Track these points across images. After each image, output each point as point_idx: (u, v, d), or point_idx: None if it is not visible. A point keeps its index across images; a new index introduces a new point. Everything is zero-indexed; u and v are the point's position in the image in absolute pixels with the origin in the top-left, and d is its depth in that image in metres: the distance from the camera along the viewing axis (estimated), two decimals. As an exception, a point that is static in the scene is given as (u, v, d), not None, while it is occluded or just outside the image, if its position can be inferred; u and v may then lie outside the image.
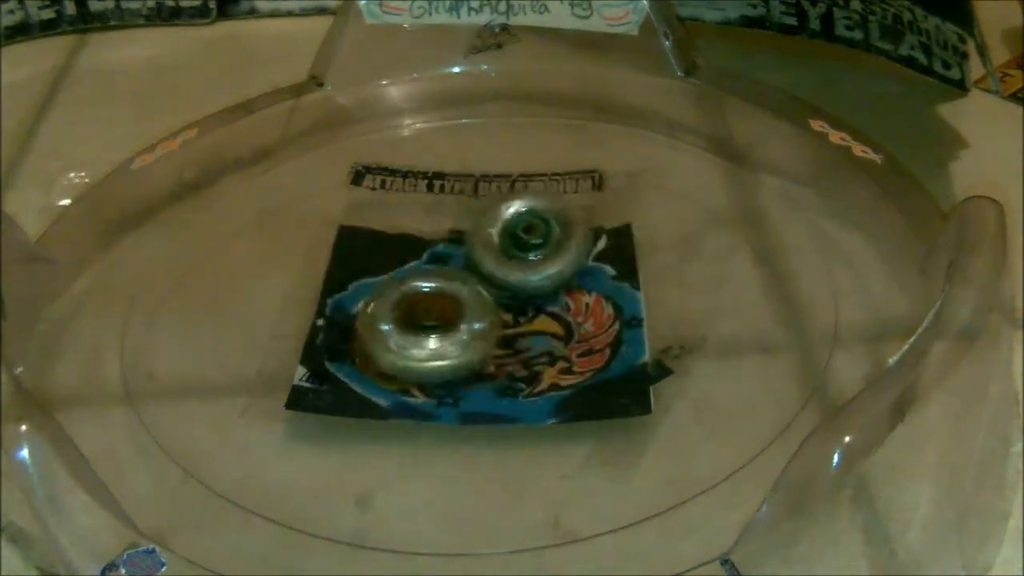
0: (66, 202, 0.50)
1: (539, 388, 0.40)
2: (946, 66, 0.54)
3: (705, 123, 0.53)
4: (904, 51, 0.54)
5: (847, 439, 0.32)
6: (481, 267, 0.44)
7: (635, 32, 0.53)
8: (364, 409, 0.40)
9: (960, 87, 0.54)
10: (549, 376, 0.41)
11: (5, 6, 0.63)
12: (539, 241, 0.44)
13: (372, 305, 0.41)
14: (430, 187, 0.50)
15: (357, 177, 0.51)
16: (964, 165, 0.50)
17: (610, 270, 0.45)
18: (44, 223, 0.47)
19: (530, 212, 0.45)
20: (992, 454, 0.35)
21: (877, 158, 0.46)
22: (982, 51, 0.52)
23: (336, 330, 0.43)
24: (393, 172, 0.51)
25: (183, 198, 0.50)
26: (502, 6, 0.53)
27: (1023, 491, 0.36)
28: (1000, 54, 0.57)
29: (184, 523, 0.36)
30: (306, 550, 0.35)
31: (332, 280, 0.45)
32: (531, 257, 0.44)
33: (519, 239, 0.45)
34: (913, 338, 0.35)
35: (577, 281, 0.44)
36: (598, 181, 0.50)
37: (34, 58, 0.63)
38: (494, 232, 0.45)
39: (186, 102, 0.55)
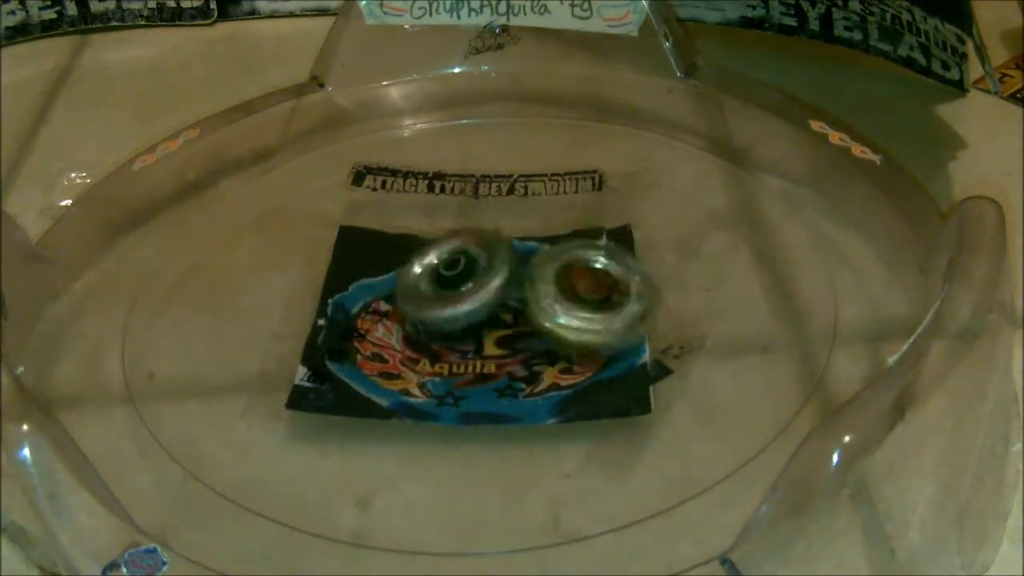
0: (67, 202, 0.50)
1: (539, 388, 0.40)
2: (945, 67, 0.54)
3: (705, 124, 0.53)
4: (903, 52, 0.54)
5: (847, 439, 0.32)
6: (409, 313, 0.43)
7: (635, 33, 0.53)
8: (365, 409, 0.40)
9: (959, 88, 0.54)
10: (549, 376, 0.41)
11: (6, 7, 0.63)
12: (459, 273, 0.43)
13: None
14: (430, 187, 0.50)
15: (358, 177, 0.51)
16: (963, 165, 0.50)
17: (610, 270, 0.45)
18: (45, 223, 0.47)
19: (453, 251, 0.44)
20: (992, 454, 0.35)
21: (876, 158, 0.46)
22: (981, 52, 0.53)
23: (337, 330, 0.43)
24: (393, 172, 0.51)
25: (184, 198, 0.50)
26: (502, 7, 0.53)
27: (1023, 491, 0.36)
28: (999, 55, 0.57)
29: (185, 522, 0.36)
30: (306, 550, 0.36)
31: (333, 280, 0.45)
32: (462, 290, 0.42)
33: (444, 277, 0.43)
34: (913, 338, 0.35)
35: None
36: (598, 181, 0.50)
37: (35, 58, 0.63)
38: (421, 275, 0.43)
39: (187, 103, 0.55)
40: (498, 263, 0.42)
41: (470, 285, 0.42)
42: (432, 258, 0.44)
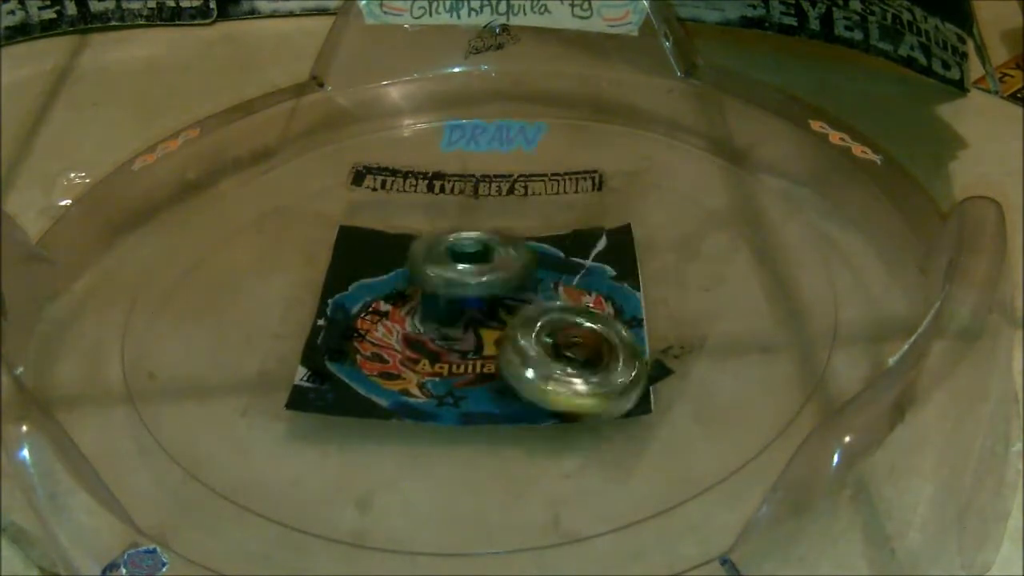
0: (67, 202, 0.50)
1: (539, 388, 0.40)
2: (945, 66, 0.54)
3: (705, 123, 0.53)
4: (903, 51, 0.54)
5: (847, 439, 0.32)
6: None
7: (635, 32, 0.53)
8: (365, 409, 0.40)
9: (959, 87, 0.54)
10: (549, 376, 0.41)
11: (6, 6, 0.63)
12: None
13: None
14: (430, 187, 0.50)
15: (357, 177, 0.51)
16: (964, 165, 0.50)
17: (610, 270, 0.45)
18: (45, 223, 0.47)
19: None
20: (992, 454, 0.35)
21: (877, 158, 0.46)
22: (981, 51, 0.53)
23: (337, 330, 0.43)
24: (393, 172, 0.51)
25: (184, 198, 0.50)
26: (502, 6, 0.53)
27: (1023, 491, 0.36)
28: (1000, 54, 0.57)
29: (185, 523, 0.36)
30: (306, 550, 0.35)
31: (333, 280, 0.45)
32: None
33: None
34: (913, 338, 0.35)
35: (577, 282, 0.45)
36: (598, 181, 0.50)
37: (35, 58, 0.63)
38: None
39: (187, 102, 0.55)
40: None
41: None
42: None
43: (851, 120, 0.49)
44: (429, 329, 0.43)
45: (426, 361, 0.42)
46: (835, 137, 0.48)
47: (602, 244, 0.46)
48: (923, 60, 0.54)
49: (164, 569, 0.32)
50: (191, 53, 0.63)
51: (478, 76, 0.55)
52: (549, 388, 0.38)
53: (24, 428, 0.33)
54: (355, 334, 0.43)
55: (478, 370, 0.41)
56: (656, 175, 0.50)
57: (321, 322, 0.43)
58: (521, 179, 0.50)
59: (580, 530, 0.36)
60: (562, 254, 0.46)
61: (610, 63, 0.54)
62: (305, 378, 0.41)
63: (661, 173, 0.50)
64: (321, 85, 0.54)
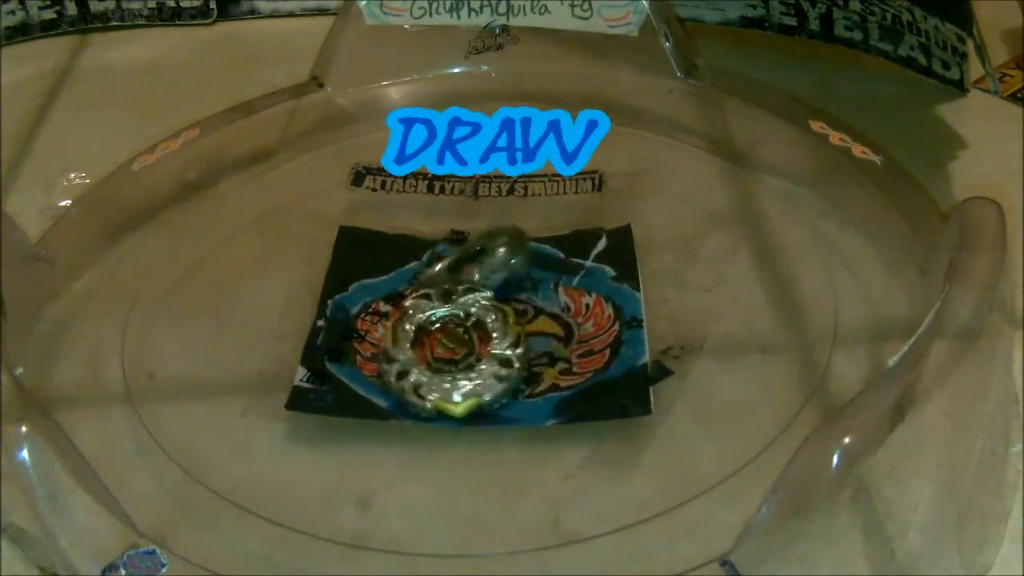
0: (67, 202, 0.50)
1: (539, 389, 0.40)
2: (945, 66, 0.54)
3: (705, 124, 0.53)
4: (903, 52, 0.54)
5: (847, 439, 0.32)
6: None
7: (635, 33, 0.53)
8: (364, 410, 0.40)
9: (959, 87, 0.54)
10: (549, 377, 0.41)
11: (6, 6, 0.63)
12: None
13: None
14: (430, 188, 0.50)
15: (357, 178, 0.51)
16: (964, 165, 0.50)
17: (610, 271, 0.45)
18: (45, 223, 0.47)
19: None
20: (992, 454, 0.35)
21: (877, 159, 0.46)
22: (981, 51, 0.53)
23: (336, 330, 0.43)
24: (393, 173, 0.51)
25: (184, 198, 0.50)
26: (502, 7, 0.53)
27: (1023, 491, 0.36)
28: (999, 54, 0.57)
29: (184, 523, 0.36)
30: (306, 550, 0.35)
31: (332, 280, 0.45)
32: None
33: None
34: (913, 338, 0.35)
35: (577, 283, 0.45)
36: (598, 181, 0.50)
37: (35, 58, 0.63)
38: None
39: (187, 102, 0.55)
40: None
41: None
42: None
43: (851, 120, 0.49)
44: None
45: (426, 361, 0.42)
46: (835, 137, 0.48)
47: (602, 244, 0.46)
48: (923, 60, 0.54)
49: (163, 570, 0.32)
50: (191, 53, 0.63)
51: (478, 76, 0.55)
52: (458, 403, 0.39)
53: (24, 429, 0.33)
54: (355, 335, 0.43)
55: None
56: (656, 175, 0.50)
57: (321, 323, 0.43)
58: (521, 179, 0.50)
59: (580, 530, 0.36)
60: (562, 254, 0.46)
61: (610, 63, 0.54)
62: (305, 379, 0.41)
63: (661, 173, 0.50)
64: (321, 85, 0.54)
